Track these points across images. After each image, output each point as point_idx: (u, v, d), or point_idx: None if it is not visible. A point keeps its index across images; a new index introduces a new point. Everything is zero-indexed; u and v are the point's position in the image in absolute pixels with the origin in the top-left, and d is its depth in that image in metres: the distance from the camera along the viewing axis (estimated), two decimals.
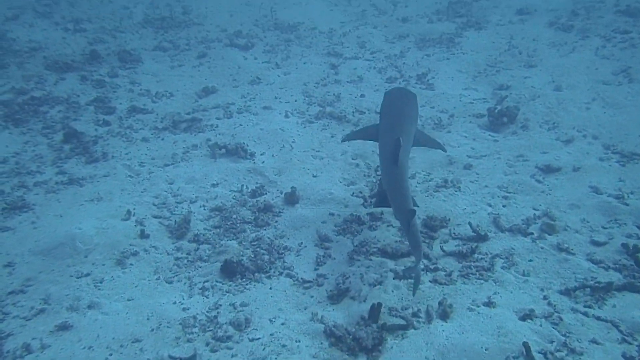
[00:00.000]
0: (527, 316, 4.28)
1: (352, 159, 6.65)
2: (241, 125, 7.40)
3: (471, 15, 10.58)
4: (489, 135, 7.07)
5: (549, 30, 9.64)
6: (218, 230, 5.46)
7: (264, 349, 4.05)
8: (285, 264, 5.02)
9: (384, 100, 5.38)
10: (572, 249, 4.98)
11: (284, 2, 11.70)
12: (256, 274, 4.86)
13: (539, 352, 3.92)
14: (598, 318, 4.23)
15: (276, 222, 5.60)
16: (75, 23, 10.49)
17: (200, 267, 4.98)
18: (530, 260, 4.90)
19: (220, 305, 4.50)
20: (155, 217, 5.62)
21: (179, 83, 8.53)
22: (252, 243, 5.27)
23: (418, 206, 5.45)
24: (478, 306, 4.40)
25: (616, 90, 7.63)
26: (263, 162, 6.59)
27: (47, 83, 8.38)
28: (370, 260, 5.01)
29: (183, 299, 4.58)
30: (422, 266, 4.86)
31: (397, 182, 4.75)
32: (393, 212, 4.94)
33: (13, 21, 10.52)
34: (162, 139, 7.07)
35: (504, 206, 5.70)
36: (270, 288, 4.71)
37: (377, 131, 5.22)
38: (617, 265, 4.74)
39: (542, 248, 5.03)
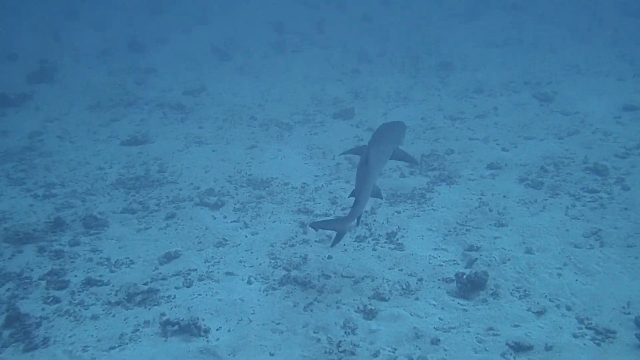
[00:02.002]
0: None
1: (314, 332, 6.29)
2: (200, 295, 7.08)
3: (444, 168, 10.64)
4: (458, 303, 6.74)
5: (519, 186, 9.64)
6: None
7: None
8: None
9: (377, 129, 7.07)
10: None
11: (260, 157, 11.83)
12: None
13: None
14: None
15: None
16: (47, 188, 10.38)
17: None
18: None
19: None
20: None
21: (142, 248, 8.30)
22: None
23: (382, 197, 7.08)
24: None
25: (587, 255, 7.42)
26: (217, 339, 6.19)
27: (2, 258, 8.07)
28: None
29: None
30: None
31: (365, 177, 6.33)
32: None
33: None
34: (113, 316, 6.67)
35: None
36: None
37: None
38: None
39: None
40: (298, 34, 23.27)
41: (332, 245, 6.88)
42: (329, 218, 6.97)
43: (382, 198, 7.17)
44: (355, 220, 6.75)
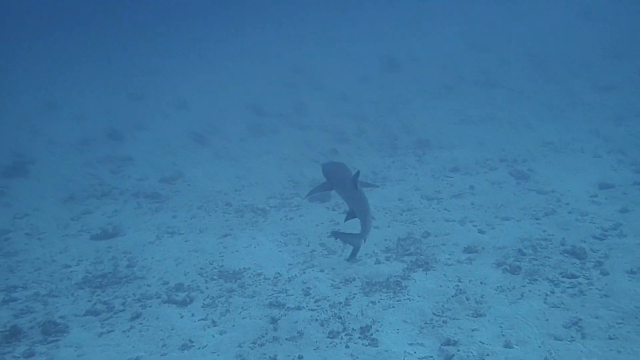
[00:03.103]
0: None
1: None
2: None
3: (420, 253, 10.36)
4: None
5: (497, 271, 9.32)
6: None
7: None
8: None
9: (323, 169, 7.86)
10: None
11: (234, 246, 11.51)
12: None
13: None
14: None
15: None
16: (7, 292, 9.89)
17: None
18: None
19: None
20: None
21: (102, 355, 7.81)
22: None
23: (374, 218, 7.36)
24: None
25: (569, 349, 7.04)
26: None
27: None
28: None
29: None
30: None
31: (359, 199, 6.98)
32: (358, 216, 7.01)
33: None
34: None
35: None
36: None
37: (330, 184, 7.42)
38: None
39: None
40: (276, 115, 23.42)
41: (348, 260, 7.63)
42: (350, 232, 7.46)
43: (374, 218, 7.57)
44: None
